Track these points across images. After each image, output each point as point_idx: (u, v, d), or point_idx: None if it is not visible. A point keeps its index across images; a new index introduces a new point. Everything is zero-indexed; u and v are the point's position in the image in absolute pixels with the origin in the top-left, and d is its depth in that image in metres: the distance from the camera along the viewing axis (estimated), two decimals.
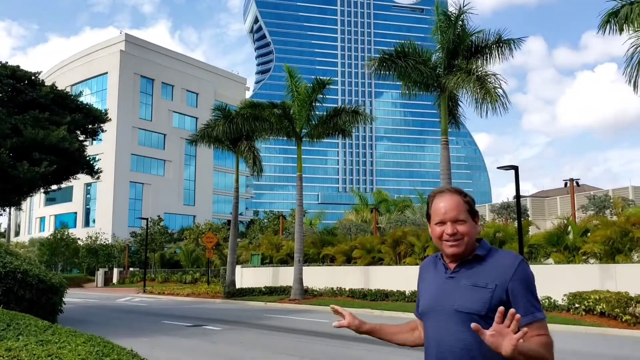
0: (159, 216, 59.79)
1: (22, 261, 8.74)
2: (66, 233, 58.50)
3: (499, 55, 21.75)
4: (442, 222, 2.32)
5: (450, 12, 22.66)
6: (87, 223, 71.55)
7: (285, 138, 31.08)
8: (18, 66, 22.56)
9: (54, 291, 8.93)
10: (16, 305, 7.94)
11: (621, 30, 18.42)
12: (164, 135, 76.73)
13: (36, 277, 8.16)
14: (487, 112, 20.47)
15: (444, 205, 2.33)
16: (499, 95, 20.24)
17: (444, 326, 2.27)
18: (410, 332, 2.62)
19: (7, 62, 22.24)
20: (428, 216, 2.43)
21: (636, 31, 18.25)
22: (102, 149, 65.93)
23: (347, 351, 12.20)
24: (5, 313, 6.18)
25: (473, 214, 2.35)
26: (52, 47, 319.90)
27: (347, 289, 26.34)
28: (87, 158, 23.80)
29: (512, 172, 18.89)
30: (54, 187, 24.87)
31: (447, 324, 2.26)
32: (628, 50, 18.03)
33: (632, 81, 18.21)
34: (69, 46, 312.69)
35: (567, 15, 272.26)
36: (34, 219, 79.46)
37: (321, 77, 29.74)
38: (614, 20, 18.35)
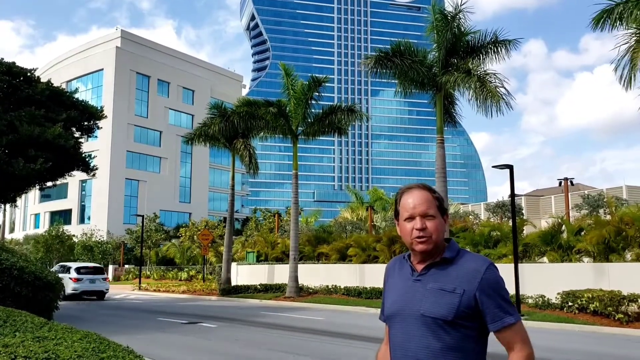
0: (154, 213, 59.73)
1: (19, 258, 8.76)
2: (61, 230, 58.38)
3: (495, 55, 21.80)
4: (411, 218, 2.26)
5: (447, 11, 22.67)
6: (82, 220, 71.40)
7: (281, 136, 31.10)
8: (14, 62, 22.50)
9: (50, 288, 8.96)
10: (12, 302, 7.96)
11: (614, 27, 18.49)
12: (160, 132, 76.59)
13: (32, 274, 8.19)
14: (490, 112, 20.50)
15: (412, 200, 2.27)
16: (501, 95, 20.30)
17: (409, 331, 2.20)
18: None
19: (2, 59, 22.24)
20: (396, 214, 2.36)
21: (628, 29, 18.31)
22: (98, 145, 65.80)
23: (342, 348, 12.27)
24: (1, 310, 6.21)
25: (442, 211, 2.29)
26: (58, 46, 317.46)
27: (342, 287, 26.42)
28: (83, 155, 23.79)
29: (509, 171, 18.97)
30: (49, 183, 24.83)
31: (412, 329, 2.19)
32: (619, 46, 18.08)
33: (624, 79, 18.29)
34: (76, 45, 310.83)
35: (566, 19, 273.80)
36: (29, 215, 79.25)
37: (317, 75, 29.75)
38: (607, 17, 18.41)
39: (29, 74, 22.56)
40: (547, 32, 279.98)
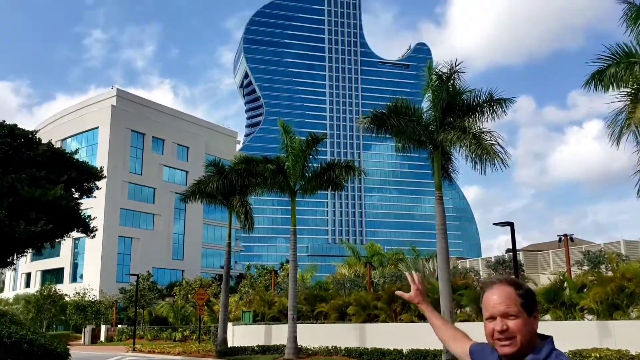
0: (148, 272, 59.03)
1: (27, 330, 8.55)
2: (53, 289, 57.38)
3: (491, 113, 22.22)
4: (492, 317, 2.15)
5: (442, 72, 23.19)
6: (74, 279, 70.32)
7: (278, 192, 31.20)
8: (15, 125, 22.71)
9: None
10: None
11: (606, 88, 18.96)
12: (154, 189, 76.60)
13: (42, 347, 7.97)
14: (485, 169, 20.74)
15: (493, 298, 2.16)
16: (497, 152, 20.59)
17: None
18: (454, 341, 2.55)
19: (4, 121, 22.43)
20: (480, 310, 2.26)
21: (621, 90, 18.77)
22: (92, 203, 65.29)
23: None
24: None
25: (529, 308, 2.15)
26: (56, 105, 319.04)
27: (342, 348, 25.88)
28: (83, 216, 23.70)
29: (509, 227, 19.03)
30: (47, 245, 24.57)
31: None
32: (611, 103, 18.45)
33: (615, 138, 18.59)
34: (72, 104, 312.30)
35: (554, 76, 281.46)
36: (20, 274, 77.95)
37: (315, 133, 30.18)
38: (599, 78, 18.91)
39: (30, 136, 22.75)
40: (536, 89, 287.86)
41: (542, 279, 30.74)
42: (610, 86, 18.60)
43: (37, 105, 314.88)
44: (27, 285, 74.57)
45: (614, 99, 18.45)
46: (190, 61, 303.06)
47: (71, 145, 70.36)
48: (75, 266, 71.62)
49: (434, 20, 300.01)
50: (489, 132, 22.16)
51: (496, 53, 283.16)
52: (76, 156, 26.39)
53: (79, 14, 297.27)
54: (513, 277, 2.31)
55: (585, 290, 21.68)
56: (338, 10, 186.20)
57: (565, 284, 22.33)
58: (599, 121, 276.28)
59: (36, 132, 23.83)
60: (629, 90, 17.40)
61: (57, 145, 44.87)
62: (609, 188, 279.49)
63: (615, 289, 19.85)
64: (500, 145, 21.73)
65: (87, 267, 68.85)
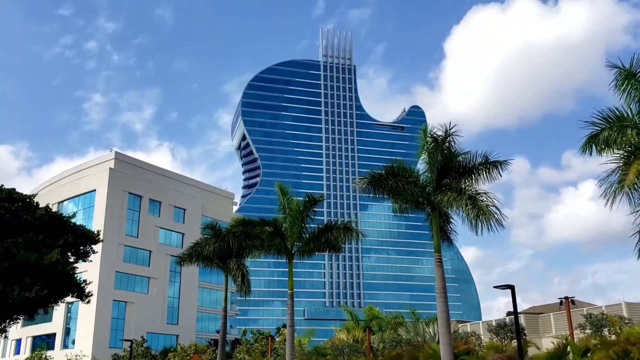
0: (142, 337, 57.68)
1: None
2: (43, 356, 55.83)
3: (486, 175, 22.41)
4: None
5: (437, 134, 23.51)
6: (65, 345, 68.47)
7: (275, 254, 30.94)
8: (14, 189, 22.77)
9: None
10: None
11: (601, 152, 19.23)
12: (150, 251, 75.85)
13: None
14: (481, 229, 20.70)
15: None
16: (492, 213, 20.62)
17: None
18: None
19: (2, 185, 22.49)
20: None
21: (614, 153, 19.03)
22: (87, 266, 64.32)
23: None
24: None
25: None
26: (55, 167, 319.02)
27: None
28: (78, 281, 23.38)
29: (510, 290, 18.81)
30: (41, 311, 24.11)
31: None
32: (605, 164, 18.62)
33: (610, 200, 18.67)
34: (71, 166, 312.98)
35: (547, 138, 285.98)
36: (9, 341, 75.94)
37: (312, 194, 30.17)
38: (594, 143, 19.21)
39: (28, 200, 22.77)
40: (530, 150, 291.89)
41: (545, 343, 30.10)
42: (604, 149, 18.89)
43: (36, 168, 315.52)
44: (17, 352, 72.51)
45: (607, 160, 18.71)
46: (188, 124, 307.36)
47: (68, 208, 70.29)
48: (67, 331, 69.92)
49: (427, 84, 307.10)
50: (485, 193, 22.30)
51: (489, 115, 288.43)
52: (73, 219, 26.35)
53: (80, 79, 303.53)
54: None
55: (589, 354, 21.25)
56: (334, 75, 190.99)
57: (569, 348, 21.89)
58: (594, 181, 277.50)
59: (34, 195, 23.88)
60: (621, 152, 17.65)
61: (54, 207, 44.99)
62: (606, 248, 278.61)
63: (620, 353, 19.46)
64: (495, 207, 21.83)
65: (79, 333, 67.17)
